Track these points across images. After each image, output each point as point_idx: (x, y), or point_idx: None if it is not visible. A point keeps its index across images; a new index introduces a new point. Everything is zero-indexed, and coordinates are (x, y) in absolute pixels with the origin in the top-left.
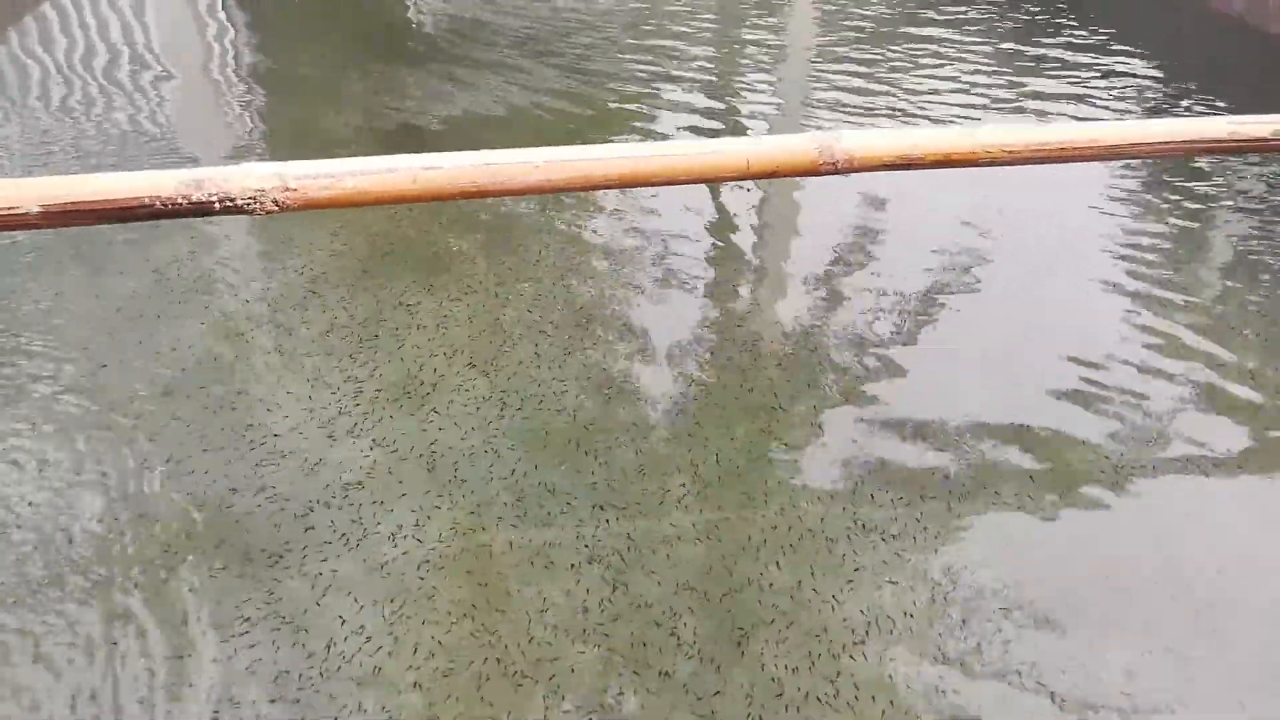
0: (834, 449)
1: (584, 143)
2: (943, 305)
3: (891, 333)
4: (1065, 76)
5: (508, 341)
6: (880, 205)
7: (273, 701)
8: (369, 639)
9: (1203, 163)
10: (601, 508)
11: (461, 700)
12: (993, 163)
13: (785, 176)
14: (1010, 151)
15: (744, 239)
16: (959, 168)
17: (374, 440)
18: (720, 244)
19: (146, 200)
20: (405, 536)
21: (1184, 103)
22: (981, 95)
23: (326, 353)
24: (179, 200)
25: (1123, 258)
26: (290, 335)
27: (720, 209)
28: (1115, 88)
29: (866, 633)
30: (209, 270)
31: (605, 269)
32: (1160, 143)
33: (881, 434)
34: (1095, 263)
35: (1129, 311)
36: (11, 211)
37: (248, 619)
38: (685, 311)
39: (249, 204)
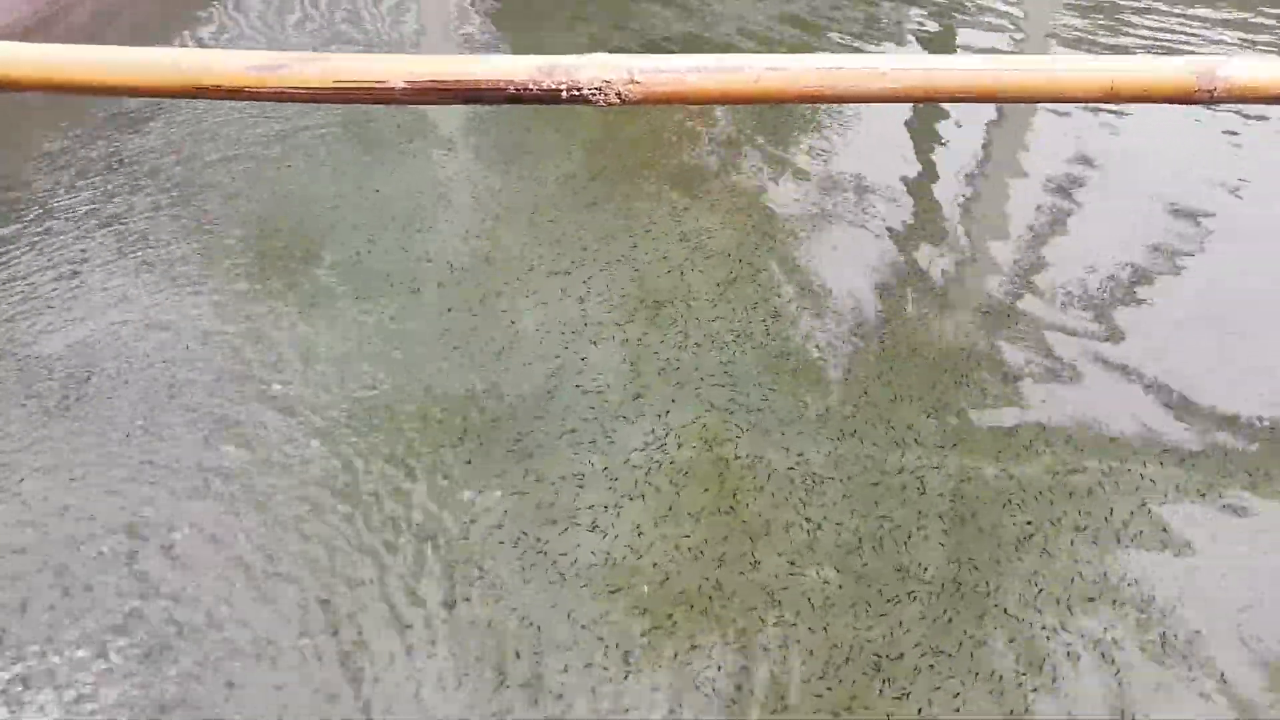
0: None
1: None
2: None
3: (1141, 294)
4: None
5: (744, 263)
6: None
7: None
8: (614, 535)
9: None
10: (836, 437)
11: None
12: None
13: (1152, 102)
14: None
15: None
16: None
17: (614, 344)
18: (932, 177)
19: (501, 84)
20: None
21: None
22: None
23: (573, 258)
24: (530, 86)
25: None
26: (537, 240)
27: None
28: None
29: None
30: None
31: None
32: None
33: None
34: None
35: None
36: (380, 85)
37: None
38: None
39: (594, 94)
